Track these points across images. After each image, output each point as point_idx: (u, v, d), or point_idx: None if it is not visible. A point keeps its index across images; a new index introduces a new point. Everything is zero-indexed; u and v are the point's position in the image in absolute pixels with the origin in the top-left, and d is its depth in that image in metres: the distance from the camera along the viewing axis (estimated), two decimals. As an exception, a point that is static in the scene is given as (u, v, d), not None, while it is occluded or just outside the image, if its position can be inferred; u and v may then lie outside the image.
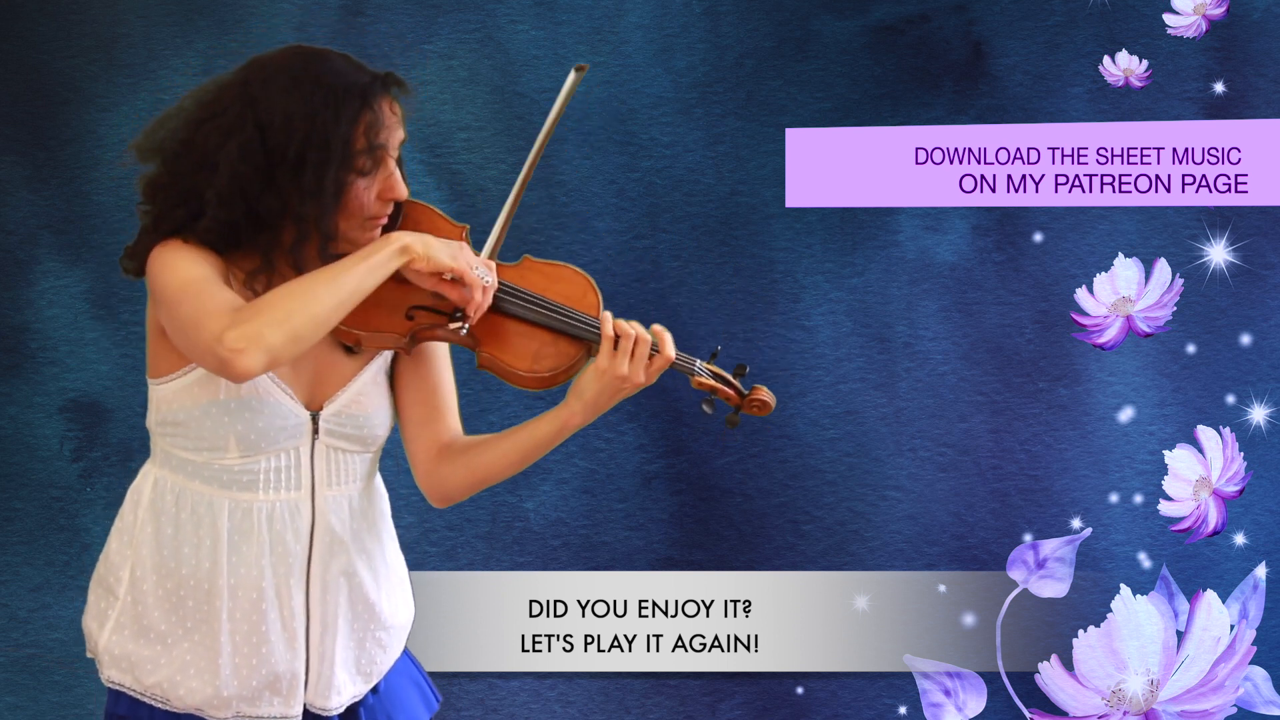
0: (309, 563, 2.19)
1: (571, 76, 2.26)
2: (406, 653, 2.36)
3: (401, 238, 2.11)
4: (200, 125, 2.13)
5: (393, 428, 2.30)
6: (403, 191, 2.17)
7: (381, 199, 2.16)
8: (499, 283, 2.22)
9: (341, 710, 2.25)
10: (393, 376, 2.30)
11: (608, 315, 2.20)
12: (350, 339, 2.18)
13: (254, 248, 2.14)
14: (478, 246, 2.25)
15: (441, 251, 2.13)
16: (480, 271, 2.15)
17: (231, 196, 2.10)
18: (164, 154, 2.15)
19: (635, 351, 2.18)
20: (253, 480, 2.16)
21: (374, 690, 2.28)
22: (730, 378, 2.27)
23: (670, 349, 2.21)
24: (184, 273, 2.09)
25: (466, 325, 2.17)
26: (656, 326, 2.22)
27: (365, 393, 2.22)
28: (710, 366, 2.27)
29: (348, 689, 2.25)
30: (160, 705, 2.19)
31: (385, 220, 2.18)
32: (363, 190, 2.13)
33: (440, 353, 2.31)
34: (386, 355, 2.27)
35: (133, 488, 2.23)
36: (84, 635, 2.26)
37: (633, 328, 2.20)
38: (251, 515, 2.16)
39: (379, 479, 2.32)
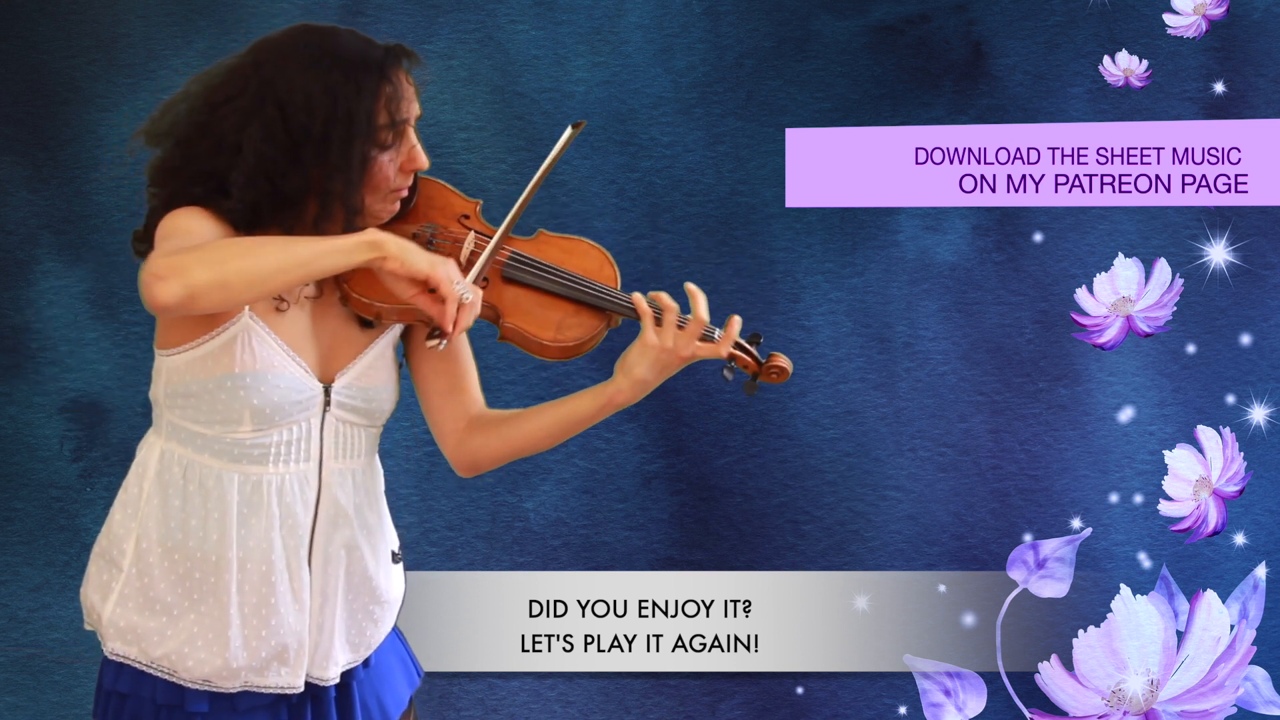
0: (313, 534, 2.20)
1: (567, 132, 2.27)
2: (395, 628, 2.37)
3: (378, 233, 2.07)
4: (215, 109, 2.14)
5: (397, 404, 2.30)
6: (424, 162, 2.20)
7: (404, 171, 2.19)
8: (515, 254, 2.24)
9: (337, 680, 2.25)
10: (408, 351, 2.32)
11: (638, 295, 2.24)
12: (370, 312, 2.19)
13: (275, 225, 2.14)
14: (494, 221, 2.25)
15: (419, 257, 2.07)
16: (461, 287, 2.09)
17: (256, 177, 2.11)
18: (176, 138, 2.16)
19: (688, 326, 2.23)
20: (264, 454, 2.16)
21: (365, 664, 2.29)
22: (748, 345, 2.28)
23: (704, 310, 2.23)
24: (183, 222, 2.10)
25: (444, 342, 2.12)
26: (690, 285, 2.25)
27: (375, 366, 2.23)
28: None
29: (342, 658, 2.25)
30: (167, 677, 2.18)
31: (405, 193, 2.21)
32: (387, 164, 2.16)
33: None
34: (395, 331, 2.27)
35: (137, 460, 2.22)
36: (83, 608, 2.25)
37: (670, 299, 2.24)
38: (261, 488, 2.16)
39: (378, 457, 2.33)
